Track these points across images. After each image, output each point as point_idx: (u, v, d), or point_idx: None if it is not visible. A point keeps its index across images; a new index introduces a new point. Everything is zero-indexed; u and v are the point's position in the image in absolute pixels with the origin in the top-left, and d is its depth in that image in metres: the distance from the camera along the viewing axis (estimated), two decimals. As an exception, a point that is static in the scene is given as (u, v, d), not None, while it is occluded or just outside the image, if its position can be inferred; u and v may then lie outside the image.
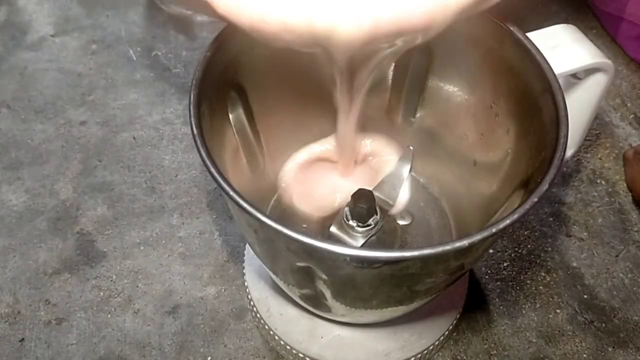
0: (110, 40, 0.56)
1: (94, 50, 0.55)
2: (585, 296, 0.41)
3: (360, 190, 0.33)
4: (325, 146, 0.37)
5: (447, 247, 0.23)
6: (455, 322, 0.38)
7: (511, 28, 0.30)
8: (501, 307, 0.41)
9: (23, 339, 0.39)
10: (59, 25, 0.58)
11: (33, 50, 0.55)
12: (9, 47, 0.56)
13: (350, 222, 0.33)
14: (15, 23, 0.58)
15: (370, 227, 0.33)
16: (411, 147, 0.36)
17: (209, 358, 0.38)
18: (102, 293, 0.41)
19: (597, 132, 0.50)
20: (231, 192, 0.25)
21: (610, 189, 0.46)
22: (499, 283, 0.42)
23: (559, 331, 0.40)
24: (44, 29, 0.57)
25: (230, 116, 0.32)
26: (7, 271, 0.42)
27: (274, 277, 0.33)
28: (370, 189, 0.33)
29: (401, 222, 0.38)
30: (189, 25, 0.57)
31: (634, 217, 0.45)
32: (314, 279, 0.28)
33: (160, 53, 0.55)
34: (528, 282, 0.42)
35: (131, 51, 0.56)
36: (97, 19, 0.58)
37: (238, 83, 0.32)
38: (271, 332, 0.38)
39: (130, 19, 0.58)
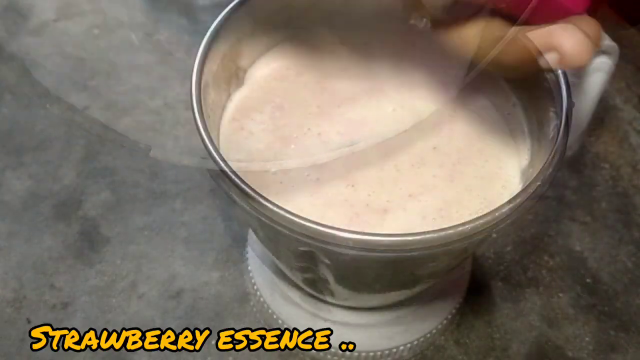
0: (112, 24, 0.56)
1: (96, 35, 0.55)
2: (588, 280, 0.41)
3: None
4: None
5: (450, 232, 0.23)
6: (458, 306, 0.39)
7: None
8: (504, 291, 0.41)
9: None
10: (60, 10, 0.57)
11: (35, 35, 0.55)
12: (11, 33, 0.55)
13: None
14: (16, 8, 0.58)
15: None
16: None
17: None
18: (106, 278, 0.41)
19: (602, 115, 0.50)
20: (234, 177, 0.25)
21: (614, 173, 0.46)
22: (502, 267, 0.42)
23: (561, 315, 0.40)
24: (46, 14, 0.57)
25: (233, 100, 0.32)
26: (12, 256, 0.42)
27: (277, 261, 0.33)
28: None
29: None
30: (191, 9, 0.57)
31: (638, 200, 0.45)
32: (317, 263, 0.28)
33: (162, 37, 0.55)
34: (531, 266, 0.42)
35: (133, 36, 0.55)
36: (99, 3, 0.58)
37: (240, 67, 0.32)
38: (274, 316, 0.38)
39: (131, 3, 0.58)
